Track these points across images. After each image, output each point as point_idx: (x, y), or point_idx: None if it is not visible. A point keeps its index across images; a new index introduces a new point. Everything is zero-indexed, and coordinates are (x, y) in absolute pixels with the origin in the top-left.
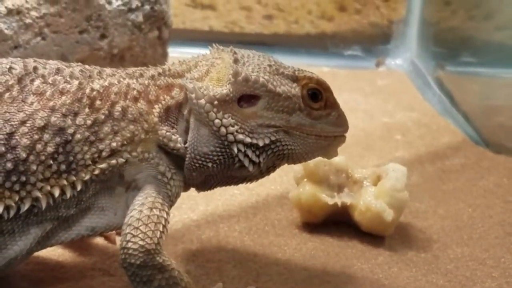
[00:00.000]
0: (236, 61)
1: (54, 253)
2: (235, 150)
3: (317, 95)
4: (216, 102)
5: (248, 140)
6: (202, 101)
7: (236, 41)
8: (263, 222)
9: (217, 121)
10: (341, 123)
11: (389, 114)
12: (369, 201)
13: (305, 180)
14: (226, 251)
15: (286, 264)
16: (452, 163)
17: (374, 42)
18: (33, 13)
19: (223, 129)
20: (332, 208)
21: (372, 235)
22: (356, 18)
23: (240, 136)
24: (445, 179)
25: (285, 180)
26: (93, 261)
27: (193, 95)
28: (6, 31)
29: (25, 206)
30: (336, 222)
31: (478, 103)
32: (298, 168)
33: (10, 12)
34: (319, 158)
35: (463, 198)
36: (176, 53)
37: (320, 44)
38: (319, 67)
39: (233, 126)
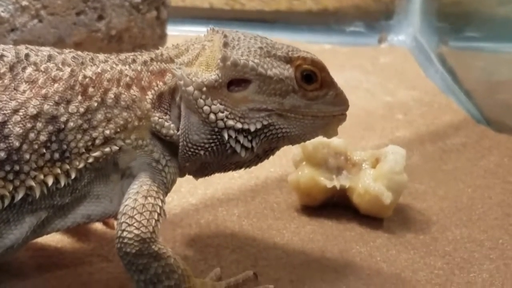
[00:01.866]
0: (225, 45)
1: (52, 239)
2: (226, 136)
3: (312, 76)
4: (204, 89)
5: (239, 125)
6: (191, 88)
7: (237, 18)
8: (262, 206)
9: (206, 107)
10: (340, 102)
11: (391, 93)
12: (367, 184)
13: (303, 163)
14: (225, 236)
15: (285, 248)
16: (453, 143)
17: (377, 18)
18: None
19: (212, 116)
20: (331, 191)
21: (370, 218)
22: None
23: (231, 122)
24: (446, 159)
25: (284, 162)
26: (91, 247)
27: (182, 82)
28: (2, 14)
29: (19, 195)
30: (335, 205)
31: (481, 79)
32: (296, 151)
33: None
34: (318, 140)
35: (463, 178)
36: (176, 32)
37: (322, 21)
38: (320, 44)
39: (222, 112)
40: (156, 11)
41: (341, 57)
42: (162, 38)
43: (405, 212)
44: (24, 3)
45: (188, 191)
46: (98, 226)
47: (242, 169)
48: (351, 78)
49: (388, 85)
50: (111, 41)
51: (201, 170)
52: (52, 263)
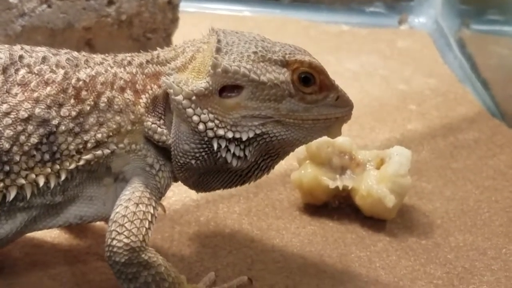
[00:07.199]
0: (218, 50)
1: (50, 235)
2: (215, 146)
3: (309, 79)
4: (194, 98)
5: (229, 134)
6: (180, 97)
7: None
8: (264, 203)
9: (195, 117)
10: (342, 103)
11: (406, 81)
12: (370, 186)
13: (307, 162)
14: (223, 236)
15: (283, 250)
16: (465, 137)
17: None
18: None
19: (201, 126)
20: (334, 191)
21: (373, 219)
22: None
23: (221, 132)
24: (456, 155)
25: (290, 156)
26: (88, 244)
27: (171, 91)
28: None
29: (11, 195)
30: (338, 204)
31: (499, 67)
32: (300, 148)
33: None
34: (322, 139)
35: (472, 178)
36: (193, 8)
37: (342, 0)
38: (339, 25)
39: (212, 121)
40: None
41: (359, 40)
42: (173, 22)
43: (409, 213)
44: None
45: None
46: (97, 222)
47: (248, 183)
48: (368, 63)
49: (404, 71)
50: (121, 26)
51: (201, 184)
52: (47, 261)
